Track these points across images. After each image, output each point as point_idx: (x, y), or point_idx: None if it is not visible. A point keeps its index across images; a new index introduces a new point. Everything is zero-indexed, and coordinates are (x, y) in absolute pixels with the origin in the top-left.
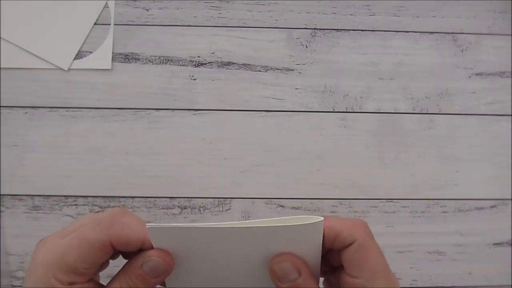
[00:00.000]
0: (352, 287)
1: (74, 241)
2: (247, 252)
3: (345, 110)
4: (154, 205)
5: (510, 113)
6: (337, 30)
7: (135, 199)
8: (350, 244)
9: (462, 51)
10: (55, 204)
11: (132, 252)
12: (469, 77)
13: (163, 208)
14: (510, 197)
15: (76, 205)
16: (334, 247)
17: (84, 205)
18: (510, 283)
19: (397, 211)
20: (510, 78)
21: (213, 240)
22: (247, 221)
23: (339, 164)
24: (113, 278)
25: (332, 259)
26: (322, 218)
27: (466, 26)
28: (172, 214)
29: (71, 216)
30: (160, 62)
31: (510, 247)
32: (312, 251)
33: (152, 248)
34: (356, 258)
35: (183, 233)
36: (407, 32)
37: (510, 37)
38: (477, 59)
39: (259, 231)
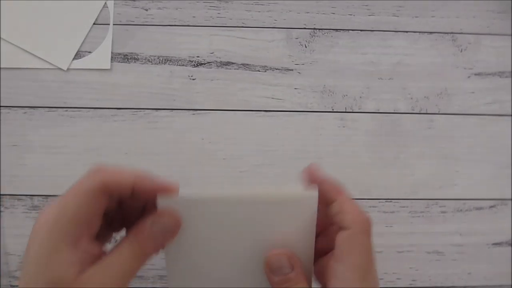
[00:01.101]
0: (332, 272)
1: (69, 192)
2: (244, 224)
3: (344, 110)
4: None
5: (509, 113)
6: (336, 30)
7: None
8: (345, 229)
9: (461, 51)
10: None
11: (131, 214)
12: (468, 77)
13: None
14: (509, 197)
15: None
16: (333, 221)
17: None
18: (509, 283)
19: (396, 211)
20: (509, 78)
21: (213, 209)
22: (247, 190)
23: (338, 164)
24: (121, 242)
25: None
26: (317, 193)
27: (466, 26)
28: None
29: None
30: (159, 62)
31: (509, 247)
32: (306, 226)
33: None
34: (351, 241)
35: (187, 203)
36: (406, 32)
37: (509, 37)
38: (476, 59)
39: (257, 203)
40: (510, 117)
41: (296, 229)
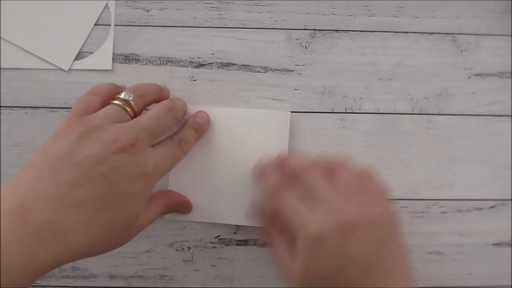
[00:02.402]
0: None
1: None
2: (235, 131)
3: (344, 111)
4: None
5: (509, 114)
6: (337, 31)
7: None
8: None
9: (461, 51)
10: None
11: None
12: (469, 77)
13: None
14: (509, 198)
15: None
16: None
17: None
18: (509, 284)
19: (396, 211)
20: (509, 79)
21: (216, 119)
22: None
23: None
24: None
25: None
26: (289, 113)
27: (466, 26)
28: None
29: None
30: (161, 63)
31: (509, 248)
32: (281, 137)
33: None
34: None
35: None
36: (407, 32)
37: (509, 37)
38: (476, 60)
39: (243, 113)
40: (510, 117)
41: (274, 138)
